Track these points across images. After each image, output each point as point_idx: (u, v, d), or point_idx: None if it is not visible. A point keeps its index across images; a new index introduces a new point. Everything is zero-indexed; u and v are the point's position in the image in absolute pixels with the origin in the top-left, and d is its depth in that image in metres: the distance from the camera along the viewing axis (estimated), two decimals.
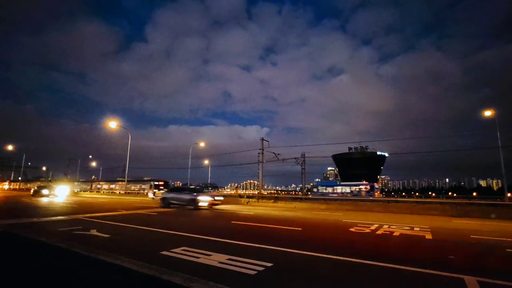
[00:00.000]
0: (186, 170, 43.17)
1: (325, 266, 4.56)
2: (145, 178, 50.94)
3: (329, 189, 45.80)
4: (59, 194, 29.94)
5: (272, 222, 10.22)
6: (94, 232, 7.15)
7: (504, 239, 7.73)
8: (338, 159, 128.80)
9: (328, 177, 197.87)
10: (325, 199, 28.81)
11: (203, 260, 4.59)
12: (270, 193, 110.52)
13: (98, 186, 57.47)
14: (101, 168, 70.53)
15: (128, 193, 43.22)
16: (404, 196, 69.06)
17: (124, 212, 13.33)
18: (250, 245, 5.91)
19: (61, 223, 8.97)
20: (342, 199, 29.35)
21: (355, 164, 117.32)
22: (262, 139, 34.53)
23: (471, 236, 8.00)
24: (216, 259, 4.63)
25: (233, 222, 10.27)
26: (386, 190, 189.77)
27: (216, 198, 17.47)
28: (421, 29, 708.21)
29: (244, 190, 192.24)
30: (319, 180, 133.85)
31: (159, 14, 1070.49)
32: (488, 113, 21.79)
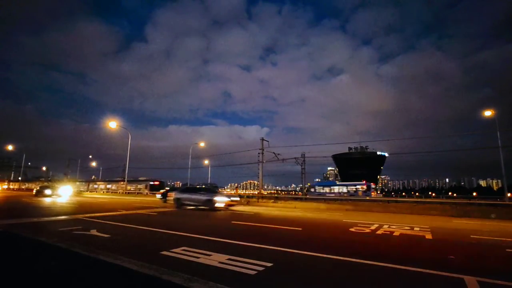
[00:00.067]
0: (186, 170, 43.34)
1: (325, 266, 4.56)
2: (141, 178, 51.22)
3: (326, 189, 45.72)
4: (62, 194, 29.87)
5: (272, 222, 10.22)
6: (94, 232, 7.15)
7: (504, 239, 7.72)
8: (338, 159, 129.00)
9: (328, 177, 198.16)
10: (325, 199, 28.82)
11: (203, 260, 4.59)
12: (270, 193, 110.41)
13: (95, 186, 57.67)
14: (101, 168, 70.71)
15: (128, 193, 43.23)
16: (404, 196, 68.97)
17: (124, 212, 13.33)
18: (250, 245, 5.91)
19: (61, 223, 8.97)
20: (342, 199, 29.35)
21: (355, 164, 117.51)
22: (262, 139, 34.57)
23: (471, 236, 8.01)
24: (216, 259, 4.64)
25: (233, 222, 10.27)
26: (386, 190, 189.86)
27: (233, 198, 16.94)
28: (421, 29, 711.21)
29: (244, 190, 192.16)
30: (319, 180, 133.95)
31: (159, 14, 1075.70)
32: (488, 113, 21.83)
